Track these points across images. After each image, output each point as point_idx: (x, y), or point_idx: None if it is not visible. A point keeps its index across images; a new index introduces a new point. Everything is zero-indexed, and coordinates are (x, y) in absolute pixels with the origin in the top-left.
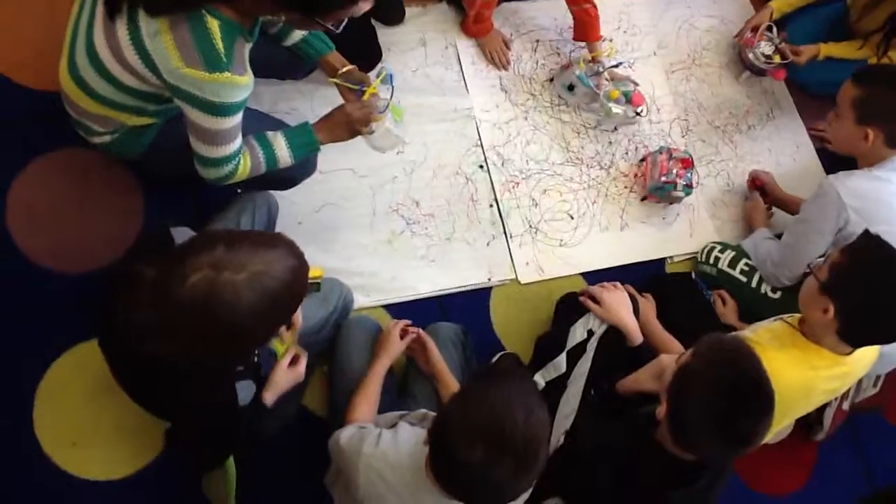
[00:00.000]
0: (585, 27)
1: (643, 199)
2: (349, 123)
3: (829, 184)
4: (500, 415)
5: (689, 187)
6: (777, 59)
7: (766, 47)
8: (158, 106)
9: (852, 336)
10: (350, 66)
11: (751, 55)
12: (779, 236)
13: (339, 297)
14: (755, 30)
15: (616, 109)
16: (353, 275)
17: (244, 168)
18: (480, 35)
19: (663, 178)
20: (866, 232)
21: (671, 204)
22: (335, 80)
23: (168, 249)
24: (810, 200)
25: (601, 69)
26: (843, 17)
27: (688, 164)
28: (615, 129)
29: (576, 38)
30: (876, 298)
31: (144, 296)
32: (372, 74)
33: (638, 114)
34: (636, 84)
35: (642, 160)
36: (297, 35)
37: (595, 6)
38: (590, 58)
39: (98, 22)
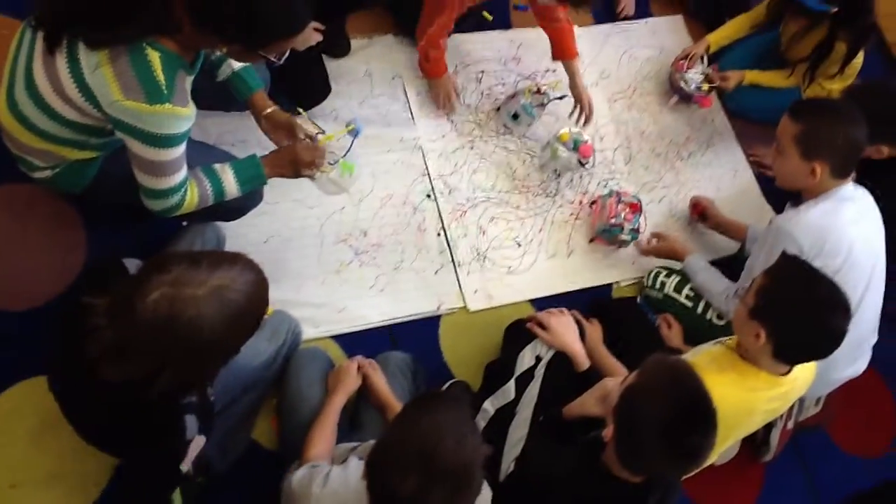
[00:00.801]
0: (561, 44)
1: (591, 240)
2: (294, 163)
3: (781, 227)
4: (431, 443)
5: (635, 231)
6: (705, 86)
7: (696, 74)
8: (100, 139)
9: (787, 356)
10: (273, 108)
11: (680, 81)
12: (714, 263)
13: (289, 331)
14: (689, 57)
15: (562, 153)
16: (301, 306)
17: (191, 199)
18: (432, 76)
19: (612, 221)
20: (784, 253)
21: (619, 247)
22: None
23: (120, 278)
24: (763, 243)
25: (546, 101)
26: (775, 46)
27: (636, 208)
28: (557, 175)
29: (555, 57)
30: (803, 315)
31: (101, 320)
32: (332, 124)
33: (582, 164)
34: (588, 139)
35: (593, 202)
36: (225, 72)
37: (570, 22)
38: (535, 88)
39: (37, 56)
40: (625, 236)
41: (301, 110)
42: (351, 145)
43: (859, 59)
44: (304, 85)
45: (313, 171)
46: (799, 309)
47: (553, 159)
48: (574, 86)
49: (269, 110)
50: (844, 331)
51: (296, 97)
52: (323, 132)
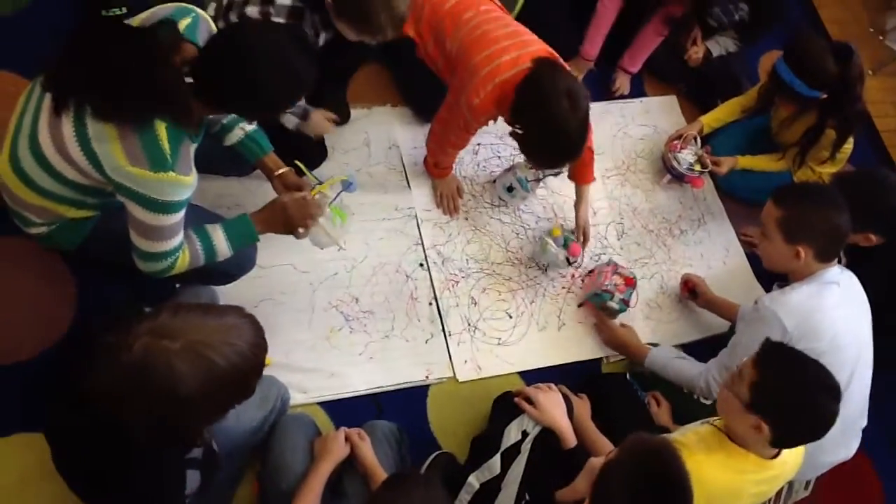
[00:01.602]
0: (582, 168)
1: (580, 305)
2: (286, 218)
3: (766, 307)
4: None
5: (625, 303)
6: (698, 167)
7: (688, 155)
8: (99, 199)
9: (786, 443)
10: (285, 169)
11: (673, 160)
12: (707, 341)
13: (277, 397)
14: (682, 138)
15: (552, 249)
16: (290, 371)
17: (182, 260)
18: (437, 177)
19: (603, 287)
20: (769, 341)
21: (608, 317)
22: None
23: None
24: (748, 323)
25: (541, 175)
26: (767, 129)
27: (630, 282)
28: (545, 269)
29: (570, 177)
30: (799, 402)
31: (101, 361)
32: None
33: (570, 262)
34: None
35: (590, 272)
36: (237, 136)
37: (592, 150)
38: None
39: (44, 115)
40: (613, 304)
41: (302, 167)
42: (340, 192)
43: (850, 144)
44: (302, 149)
45: (306, 228)
46: (793, 397)
47: (542, 253)
48: (578, 208)
49: (281, 171)
50: (836, 412)
51: (292, 158)
52: (320, 183)
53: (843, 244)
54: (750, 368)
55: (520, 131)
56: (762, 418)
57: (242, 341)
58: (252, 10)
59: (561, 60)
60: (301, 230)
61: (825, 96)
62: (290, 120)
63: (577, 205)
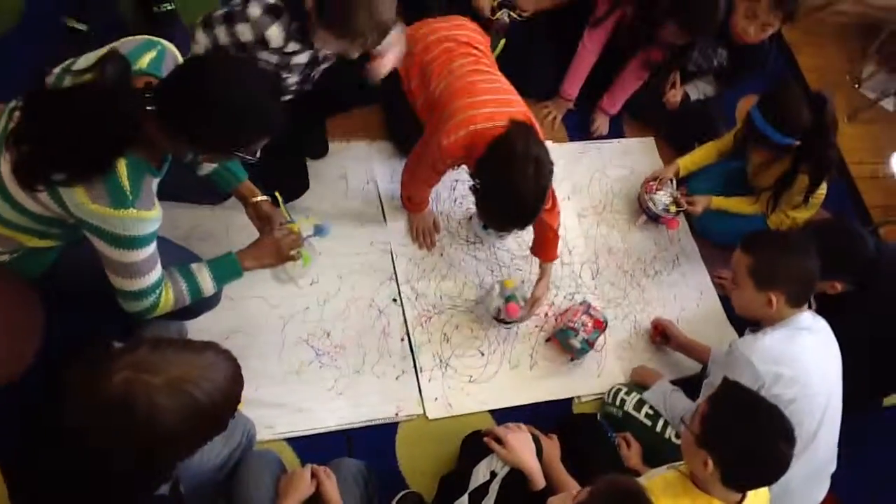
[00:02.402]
0: (544, 246)
1: (547, 339)
2: (279, 250)
3: (740, 352)
4: None
5: (588, 344)
6: (673, 208)
7: (664, 196)
8: (61, 230)
9: (735, 482)
10: (260, 198)
11: (649, 201)
12: (678, 382)
13: (244, 433)
14: (658, 179)
15: (494, 298)
16: (258, 406)
17: (167, 300)
18: (413, 211)
19: (569, 324)
20: (725, 379)
21: (571, 359)
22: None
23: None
24: (722, 366)
25: None
26: (742, 173)
27: (599, 325)
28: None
29: (534, 253)
30: (748, 443)
31: (74, 395)
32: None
33: (499, 318)
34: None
35: (566, 310)
36: (210, 165)
37: (557, 232)
38: None
39: (5, 150)
40: (575, 342)
41: (280, 198)
42: (310, 236)
43: (823, 190)
44: (283, 180)
45: (296, 258)
46: (741, 436)
47: (485, 296)
48: (538, 283)
49: (257, 199)
50: (788, 456)
51: (271, 188)
52: (292, 221)
53: (813, 290)
54: (704, 403)
55: (478, 186)
56: (708, 453)
57: (221, 376)
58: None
59: (537, 126)
60: (292, 260)
61: (799, 143)
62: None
63: (539, 280)
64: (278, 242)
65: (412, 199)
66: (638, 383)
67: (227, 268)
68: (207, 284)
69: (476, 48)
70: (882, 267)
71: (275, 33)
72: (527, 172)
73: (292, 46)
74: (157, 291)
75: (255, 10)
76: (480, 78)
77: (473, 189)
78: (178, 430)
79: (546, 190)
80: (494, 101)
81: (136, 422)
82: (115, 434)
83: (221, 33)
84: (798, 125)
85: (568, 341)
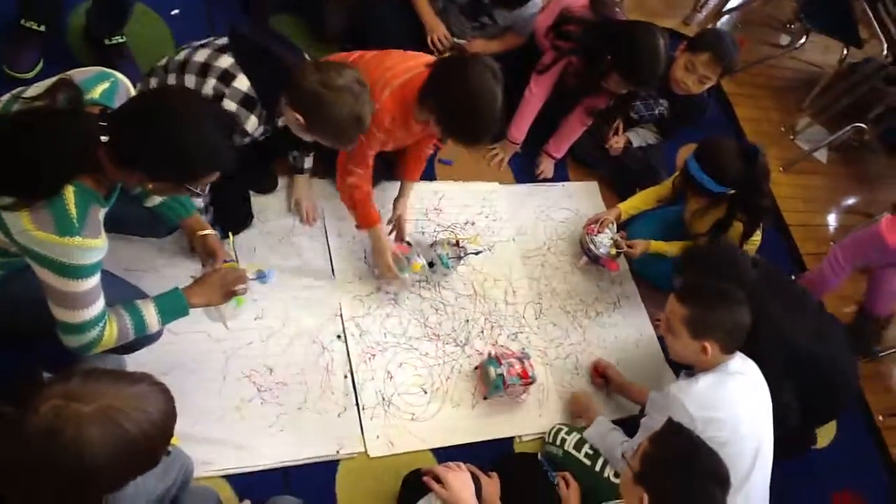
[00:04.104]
0: (410, 164)
1: (476, 367)
2: (223, 285)
3: (674, 396)
4: None
5: (503, 383)
6: (613, 251)
7: (605, 238)
8: (1, 259)
9: None
10: (209, 231)
11: (590, 243)
12: (617, 422)
13: (180, 469)
14: (599, 222)
15: (493, 375)
16: (197, 442)
17: (110, 335)
18: (366, 225)
19: (500, 357)
20: (669, 420)
21: (484, 397)
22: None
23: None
24: (656, 409)
25: (462, 254)
26: (681, 219)
27: (525, 375)
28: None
29: (397, 175)
30: (682, 483)
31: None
32: (246, 258)
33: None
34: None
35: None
36: (158, 198)
37: (425, 158)
38: (454, 241)
39: None
40: (493, 372)
41: (231, 236)
42: (251, 279)
43: (758, 236)
44: (227, 212)
45: (241, 293)
46: (678, 477)
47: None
48: (398, 202)
49: (205, 232)
50: (722, 501)
51: (219, 223)
52: (236, 262)
53: (744, 337)
54: (646, 442)
55: (433, 112)
56: (645, 491)
57: (154, 409)
58: (207, 86)
59: None
60: (238, 294)
61: (733, 191)
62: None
63: (398, 199)
64: (224, 278)
65: (354, 201)
66: (575, 412)
67: (173, 303)
68: (153, 320)
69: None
70: (764, 288)
71: (251, 124)
72: (483, 74)
73: (261, 129)
74: (101, 325)
75: (230, 105)
76: (389, 54)
77: (429, 121)
78: (106, 463)
79: (501, 92)
80: (404, 58)
81: (61, 452)
82: (39, 466)
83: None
84: (731, 175)
85: (488, 370)
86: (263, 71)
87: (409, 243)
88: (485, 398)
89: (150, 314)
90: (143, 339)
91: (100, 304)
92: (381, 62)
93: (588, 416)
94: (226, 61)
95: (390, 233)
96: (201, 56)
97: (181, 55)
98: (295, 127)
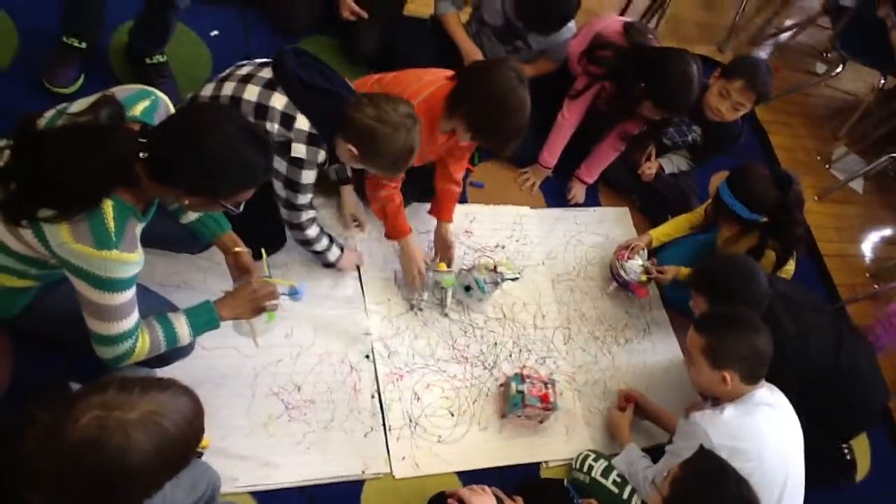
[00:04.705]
0: (443, 205)
1: (501, 385)
2: (254, 300)
3: (697, 423)
4: None
5: (521, 401)
6: (644, 278)
7: (635, 265)
8: (41, 270)
9: None
10: (242, 248)
11: (620, 269)
12: (649, 450)
13: (208, 485)
14: (630, 248)
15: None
16: (224, 457)
17: (142, 347)
18: (395, 236)
19: (525, 376)
20: (701, 447)
21: (502, 415)
22: (263, 278)
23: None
24: (682, 437)
25: (500, 279)
26: (712, 246)
27: (546, 399)
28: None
29: (432, 212)
30: None
31: (35, 440)
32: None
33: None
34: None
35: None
36: (194, 214)
37: (460, 186)
38: (492, 266)
39: None
40: (515, 389)
41: (264, 255)
42: (283, 294)
43: (791, 265)
44: (260, 232)
45: (269, 309)
46: (706, 501)
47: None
48: (438, 233)
49: (237, 250)
50: None
51: (252, 242)
52: (270, 276)
53: (766, 366)
54: (677, 467)
55: (464, 118)
56: None
57: (187, 409)
58: (270, 130)
59: None
60: (268, 310)
61: (766, 219)
62: (333, 253)
63: (437, 232)
64: (255, 293)
65: (385, 207)
66: (610, 428)
67: (205, 317)
68: (184, 332)
69: None
70: (779, 305)
71: (322, 157)
72: (509, 75)
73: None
74: (134, 337)
75: (300, 147)
76: (407, 73)
77: (458, 127)
78: (150, 465)
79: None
80: (425, 74)
81: (108, 459)
82: (85, 474)
83: None
84: (764, 202)
85: (511, 385)
86: (317, 107)
87: (445, 266)
88: (503, 416)
89: (182, 326)
90: (176, 353)
91: (134, 317)
92: (400, 82)
93: (620, 440)
94: (279, 101)
95: (439, 260)
96: (252, 94)
97: (227, 88)
98: (347, 157)
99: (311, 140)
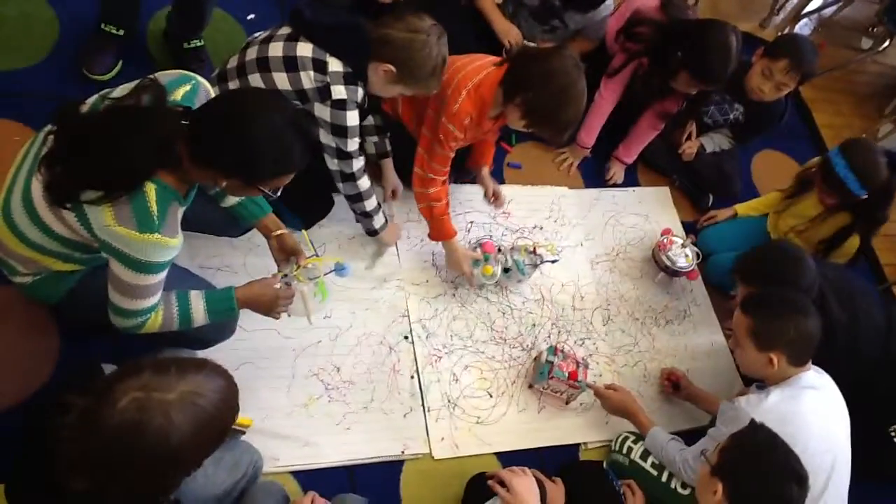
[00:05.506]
0: (486, 154)
1: (536, 357)
2: (272, 302)
3: (742, 409)
4: None
5: (548, 371)
6: (689, 260)
7: (676, 250)
8: (86, 255)
9: None
10: (283, 231)
11: (666, 260)
12: (689, 433)
13: (250, 464)
14: (667, 233)
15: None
16: (265, 437)
17: (154, 322)
18: (441, 237)
19: (559, 350)
20: (752, 421)
21: (530, 385)
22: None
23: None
24: (724, 421)
25: (539, 262)
26: (761, 232)
27: (574, 377)
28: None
29: (469, 165)
30: (759, 478)
31: (74, 426)
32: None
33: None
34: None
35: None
36: (234, 198)
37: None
38: (532, 248)
39: (38, 171)
40: (545, 359)
41: (306, 236)
42: (330, 271)
43: (855, 244)
44: (306, 200)
45: (280, 316)
46: (754, 468)
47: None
48: (483, 179)
49: (280, 232)
50: (795, 497)
51: (297, 211)
52: (317, 254)
53: (814, 348)
54: (728, 438)
55: (521, 105)
56: (721, 481)
57: (222, 387)
58: (307, 78)
59: None
60: (276, 317)
61: (866, 197)
62: (380, 219)
63: (480, 176)
64: (277, 295)
65: (433, 208)
66: (622, 414)
67: (223, 303)
68: (200, 315)
69: None
70: (829, 291)
71: (361, 95)
72: (569, 63)
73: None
74: (150, 314)
75: (339, 89)
76: (455, 57)
77: (514, 116)
78: (191, 443)
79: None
80: (471, 60)
81: (151, 440)
82: (122, 459)
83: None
84: (876, 179)
85: (542, 353)
86: (343, 44)
87: (499, 248)
88: (530, 386)
89: (198, 308)
90: (219, 335)
91: (157, 297)
92: (450, 65)
93: (639, 426)
94: (306, 49)
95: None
96: (277, 50)
97: (251, 53)
98: (382, 82)
99: (347, 79)
